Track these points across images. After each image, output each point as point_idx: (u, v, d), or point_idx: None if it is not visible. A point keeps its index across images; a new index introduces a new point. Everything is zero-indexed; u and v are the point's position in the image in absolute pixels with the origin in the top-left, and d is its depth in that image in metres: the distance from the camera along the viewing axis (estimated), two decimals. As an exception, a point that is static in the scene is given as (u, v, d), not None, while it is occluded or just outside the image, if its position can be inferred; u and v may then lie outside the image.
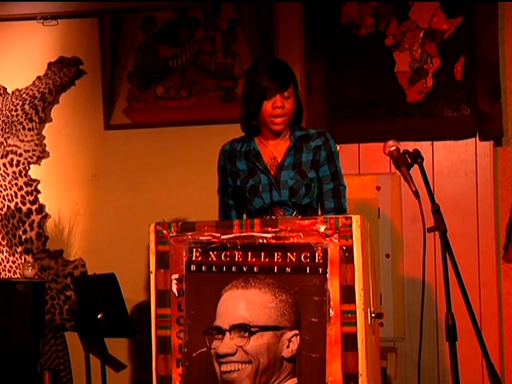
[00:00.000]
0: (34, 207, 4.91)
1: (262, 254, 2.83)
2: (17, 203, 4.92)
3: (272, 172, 3.25)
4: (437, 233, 2.79)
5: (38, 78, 4.92)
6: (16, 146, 4.94)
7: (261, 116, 3.21)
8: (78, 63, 4.90)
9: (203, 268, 2.89)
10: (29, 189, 4.92)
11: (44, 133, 4.92)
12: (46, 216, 4.90)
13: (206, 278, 2.88)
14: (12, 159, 4.94)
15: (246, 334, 2.77)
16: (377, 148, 3.89)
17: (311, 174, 3.25)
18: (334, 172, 3.29)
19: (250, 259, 2.84)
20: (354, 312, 2.75)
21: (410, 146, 3.10)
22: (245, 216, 3.35)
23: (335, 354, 2.74)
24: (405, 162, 2.93)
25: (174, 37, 4.82)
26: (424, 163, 2.93)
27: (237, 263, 2.85)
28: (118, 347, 4.78)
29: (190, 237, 2.91)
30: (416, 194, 2.81)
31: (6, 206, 4.93)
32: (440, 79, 4.61)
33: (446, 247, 2.78)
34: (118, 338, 4.73)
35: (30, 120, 4.93)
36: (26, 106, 4.93)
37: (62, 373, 4.70)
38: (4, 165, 4.95)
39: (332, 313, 2.75)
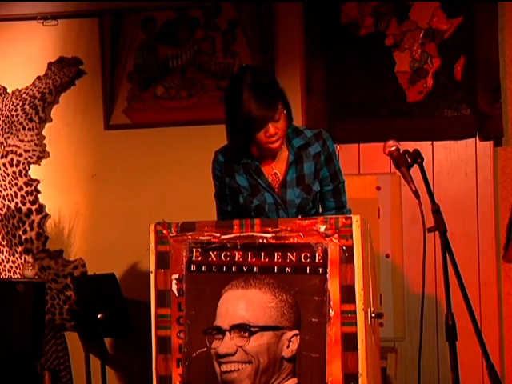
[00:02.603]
0: (34, 207, 4.91)
1: (262, 254, 2.83)
2: (17, 203, 4.92)
3: (276, 190, 3.15)
4: (437, 233, 2.79)
5: (38, 77, 4.93)
6: (16, 145, 4.94)
7: (254, 143, 3.05)
8: (78, 63, 4.90)
9: (203, 268, 2.89)
10: (29, 189, 4.92)
11: (44, 133, 4.92)
12: (46, 216, 4.90)
13: (206, 278, 2.88)
14: (12, 159, 4.94)
15: (246, 334, 2.77)
16: (377, 148, 3.89)
17: (316, 186, 3.17)
18: (333, 173, 3.22)
19: (250, 259, 2.84)
20: (354, 312, 2.75)
21: (410, 146, 3.09)
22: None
23: (335, 354, 2.74)
24: (405, 162, 2.93)
25: (174, 37, 4.82)
26: (424, 163, 2.92)
27: (237, 263, 2.85)
28: (118, 347, 4.79)
29: (190, 237, 2.91)
30: (416, 194, 2.81)
31: (5, 206, 4.93)
32: (440, 79, 4.61)
33: (446, 247, 2.78)
34: (118, 338, 4.75)
35: (30, 120, 4.93)
36: (26, 106, 4.93)
37: (62, 373, 4.70)
38: (4, 165, 4.95)
39: (332, 313, 2.75)
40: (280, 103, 3.01)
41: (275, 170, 3.18)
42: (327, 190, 3.24)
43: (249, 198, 3.17)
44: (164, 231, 2.93)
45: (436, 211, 2.80)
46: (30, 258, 4.89)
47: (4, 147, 4.95)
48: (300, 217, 3.11)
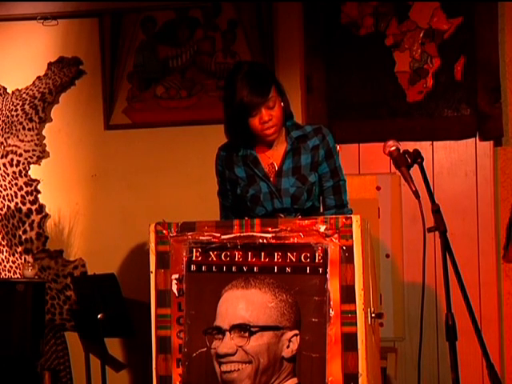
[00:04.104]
0: (34, 207, 4.91)
1: (262, 253, 2.83)
2: (17, 203, 4.92)
3: (271, 179, 3.18)
4: (437, 233, 2.79)
5: (38, 77, 4.92)
6: (16, 145, 4.93)
7: (250, 131, 3.11)
8: (78, 63, 4.90)
9: (203, 268, 2.90)
10: (29, 189, 4.92)
11: (44, 133, 4.92)
12: (46, 216, 4.90)
13: (206, 278, 2.89)
14: (12, 159, 4.94)
15: (246, 334, 2.77)
16: (377, 148, 3.89)
17: (312, 177, 3.19)
18: (333, 169, 3.24)
19: (250, 259, 2.84)
20: (354, 312, 2.75)
21: (409, 145, 3.10)
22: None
23: (335, 354, 2.74)
24: (405, 162, 2.94)
25: (173, 37, 4.82)
26: (424, 163, 2.93)
27: (237, 263, 2.86)
28: (118, 347, 4.79)
29: (190, 237, 2.91)
30: (416, 194, 2.81)
31: (5, 206, 4.93)
32: (440, 79, 4.62)
33: (445, 247, 2.78)
34: (118, 338, 4.74)
35: (30, 120, 4.93)
36: (26, 106, 4.93)
37: (61, 373, 4.70)
38: (4, 165, 4.95)
39: (332, 313, 2.75)
40: (274, 91, 3.09)
41: (272, 160, 3.21)
42: (327, 186, 3.25)
43: (245, 188, 3.21)
44: (164, 231, 2.93)
45: (436, 211, 2.81)
46: (30, 258, 4.89)
47: (4, 147, 4.95)
48: (298, 213, 3.15)
